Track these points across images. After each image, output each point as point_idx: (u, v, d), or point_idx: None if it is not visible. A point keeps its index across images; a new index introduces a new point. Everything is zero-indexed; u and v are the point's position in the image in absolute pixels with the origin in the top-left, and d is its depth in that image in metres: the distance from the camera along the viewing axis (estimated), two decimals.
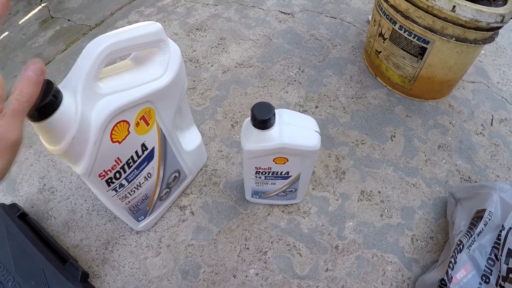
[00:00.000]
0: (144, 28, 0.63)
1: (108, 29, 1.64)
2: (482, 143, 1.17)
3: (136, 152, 0.72)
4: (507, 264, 0.74)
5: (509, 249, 0.76)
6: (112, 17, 1.72)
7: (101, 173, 0.67)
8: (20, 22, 1.86)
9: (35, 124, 0.53)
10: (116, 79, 0.64)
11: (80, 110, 0.56)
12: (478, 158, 1.13)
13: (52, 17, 1.83)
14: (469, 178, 1.08)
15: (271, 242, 0.94)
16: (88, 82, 0.57)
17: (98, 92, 0.60)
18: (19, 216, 0.95)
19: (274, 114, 0.67)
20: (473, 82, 1.36)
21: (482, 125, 1.22)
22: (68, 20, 1.77)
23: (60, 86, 0.56)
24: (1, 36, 1.75)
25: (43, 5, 1.95)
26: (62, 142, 0.56)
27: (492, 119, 1.24)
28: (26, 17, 1.89)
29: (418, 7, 1.03)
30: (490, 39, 1.07)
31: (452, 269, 0.75)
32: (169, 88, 0.69)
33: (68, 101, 0.55)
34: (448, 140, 1.17)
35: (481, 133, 1.20)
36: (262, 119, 0.66)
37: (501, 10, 0.98)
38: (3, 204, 0.98)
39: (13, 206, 0.98)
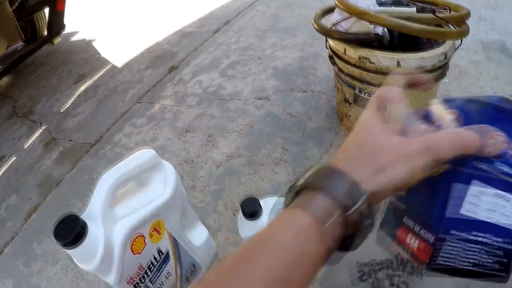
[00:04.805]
0: (141, 157, 0.79)
1: (107, 144, 1.81)
2: None
3: (154, 257, 0.85)
4: None
5: None
6: (109, 132, 1.89)
7: (128, 280, 0.80)
8: (25, 147, 2.03)
9: (69, 250, 0.67)
10: (127, 202, 0.79)
11: (103, 234, 0.71)
12: None
13: (54, 139, 2.01)
14: None
15: None
16: (105, 211, 0.72)
17: (115, 217, 0.75)
18: None
19: (259, 205, 0.80)
20: None
21: None
22: (70, 140, 1.95)
23: (83, 216, 0.71)
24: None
25: (43, 128, 2.14)
26: (93, 261, 0.71)
27: None
28: (30, 141, 2.06)
29: (369, 71, 1.15)
30: (442, 75, 1.15)
31: None
32: (171, 200, 0.83)
33: (92, 228, 0.70)
34: None
35: None
36: (251, 211, 0.80)
37: (441, 49, 1.06)
38: None
39: None
